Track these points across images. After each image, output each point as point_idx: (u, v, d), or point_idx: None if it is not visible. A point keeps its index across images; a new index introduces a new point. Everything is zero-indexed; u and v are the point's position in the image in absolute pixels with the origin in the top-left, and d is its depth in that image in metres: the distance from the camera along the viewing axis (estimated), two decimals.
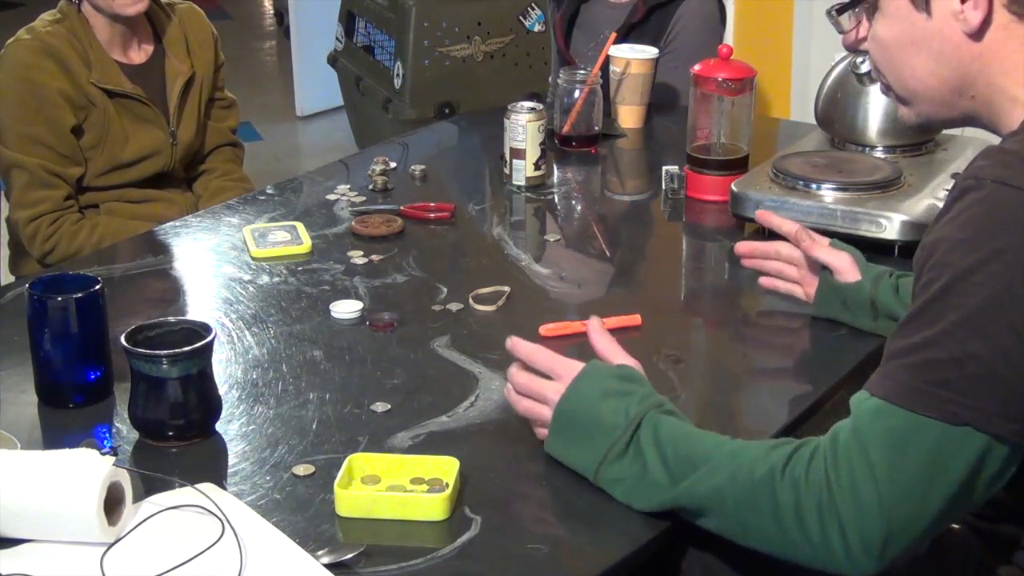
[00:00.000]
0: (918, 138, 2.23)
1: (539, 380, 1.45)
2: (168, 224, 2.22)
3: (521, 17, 4.34)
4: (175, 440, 1.50)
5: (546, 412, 1.42)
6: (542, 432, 1.45)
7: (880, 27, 1.38)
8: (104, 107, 2.41)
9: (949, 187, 1.74)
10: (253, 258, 2.04)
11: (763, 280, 1.87)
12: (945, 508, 1.21)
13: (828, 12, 1.49)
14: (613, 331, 1.76)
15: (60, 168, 2.39)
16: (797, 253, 1.80)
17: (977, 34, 1.31)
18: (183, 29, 2.54)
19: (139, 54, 2.50)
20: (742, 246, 1.89)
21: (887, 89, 1.42)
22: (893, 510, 1.19)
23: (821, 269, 1.76)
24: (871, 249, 1.87)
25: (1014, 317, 1.16)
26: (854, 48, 1.51)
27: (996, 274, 1.16)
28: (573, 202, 2.39)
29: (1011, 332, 1.16)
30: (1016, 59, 1.31)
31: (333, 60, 4.81)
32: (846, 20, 1.45)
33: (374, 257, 2.04)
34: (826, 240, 1.79)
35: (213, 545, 1.29)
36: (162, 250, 2.11)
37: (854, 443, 1.21)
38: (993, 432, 1.18)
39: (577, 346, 1.76)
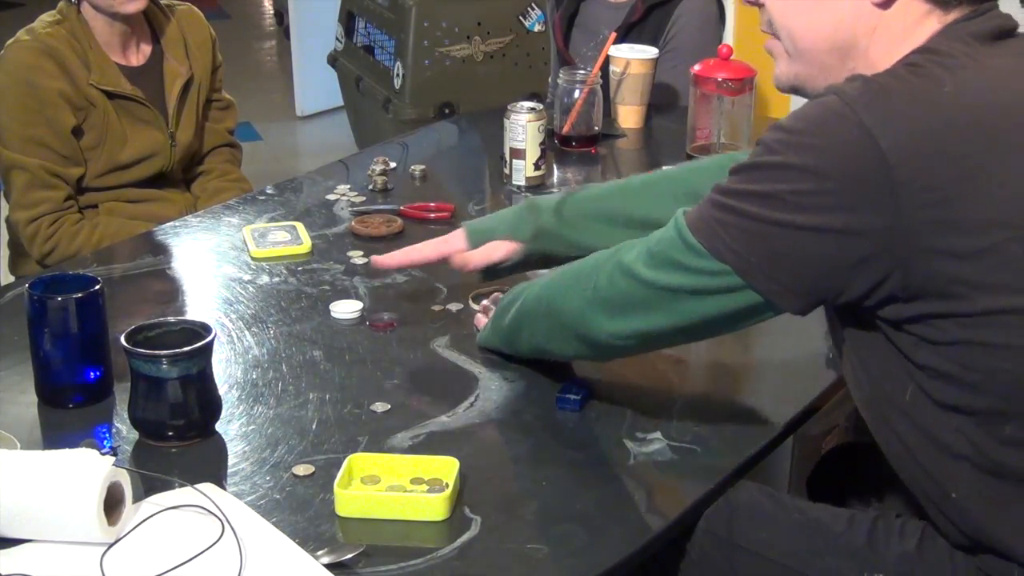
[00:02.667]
0: None
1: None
2: (168, 224, 2.22)
3: (521, 17, 4.34)
4: (175, 440, 1.50)
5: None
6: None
7: None
8: (103, 108, 2.41)
9: None
10: (253, 258, 2.04)
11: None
12: (682, 325, 1.41)
13: None
14: None
15: (60, 169, 2.39)
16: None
17: (884, 4, 1.35)
18: (182, 30, 2.54)
19: (138, 56, 2.50)
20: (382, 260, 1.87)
21: (773, 42, 1.46)
22: (638, 293, 1.41)
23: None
24: None
25: (796, 200, 1.28)
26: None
27: (795, 164, 1.28)
28: None
29: (790, 211, 1.28)
30: (904, 38, 1.34)
31: (333, 60, 4.81)
32: None
33: (374, 257, 2.04)
34: (459, 237, 1.82)
35: (213, 545, 1.29)
36: (162, 250, 2.11)
37: (648, 240, 1.42)
38: (748, 281, 1.33)
39: None
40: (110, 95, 2.42)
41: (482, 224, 1.81)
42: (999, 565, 1.35)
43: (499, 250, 1.76)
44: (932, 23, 1.34)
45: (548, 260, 1.75)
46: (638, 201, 1.72)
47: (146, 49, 2.51)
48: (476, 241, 1.78)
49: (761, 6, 1.44)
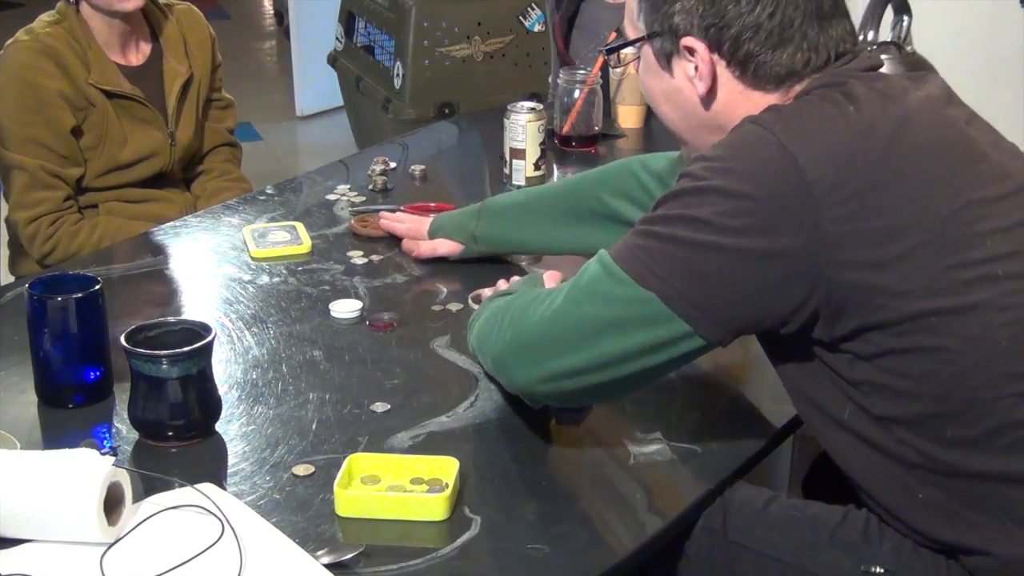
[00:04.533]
0: None
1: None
2: (168, 224, 2.22)
3: (521, 17, 4.34)
4: (175, 440, 1.50)
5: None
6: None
7: (643, 74, 1.52)
8: (103, 108, 2.41)
9: None
10: (253, 258, 2.04)
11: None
12: (601, 361, 1.38)
13: (599, 50, 1.61)
14: None
15: (60, 169, 2.39)
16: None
17: (705, 99, 1.42)
18: (181, 30, 2.54)
19: (137, 55, 2.50)
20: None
21: None
22: (555, 329, 1.39)
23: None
24: None
25: (720, 223, 1.30)
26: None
27: (717, 188, 1.31)
28: None
29: (714, 233, 1.30)
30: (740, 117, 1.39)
31: (333, 60, 4.81)
32: (615, 60, 1.57)
33: (374, 257, 2.04)
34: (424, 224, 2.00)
35: (213, 545, 1.29)
36: (162, 250, 2.11)
37: (576, 279, 1.41)
38: (671, 307, 1.33)
39: None
40: (110, 95, 2.42)
41: (443, 219, 2.00)
42: (980, 562, 1.36)
43: (443, 247, 1.99)
44: (771, 101, 1.40)
45: (497, 257, 1.94)
46: (557, 193, 1.93)
47: (145, 48, 2.51)
48: (432, 234, 1.97)
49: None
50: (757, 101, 1.40)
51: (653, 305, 1.34)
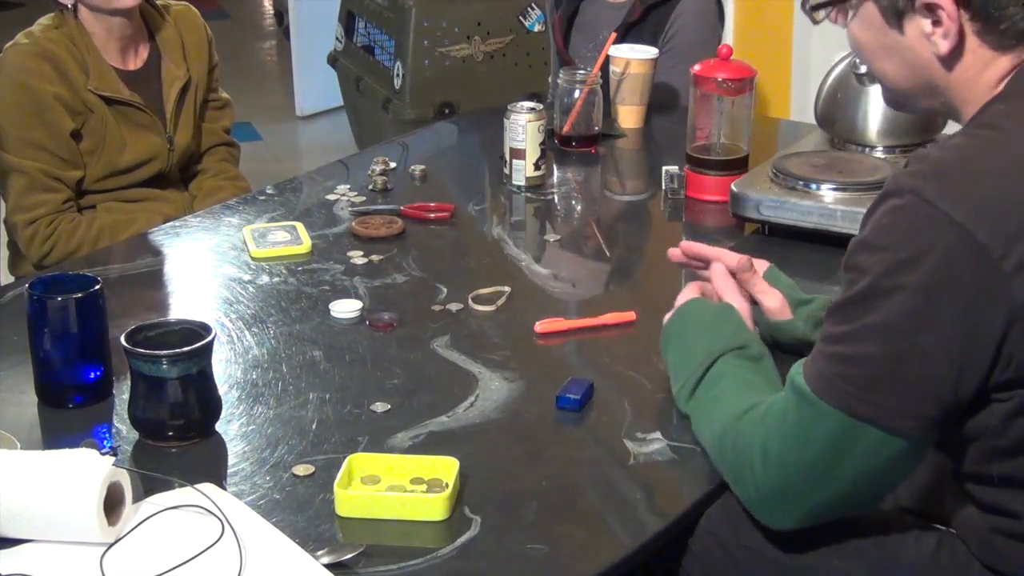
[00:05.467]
0: (918, 138, 2.23)
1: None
2: (167, 224, 2.22)
3: (521, 17, 4.34)
4: (175, 440, 1.50)
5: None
6: None
7: (855, 28, 1.39)
8: (102, 114, 2.41)
9: None
10: (253, 258, 2.04)
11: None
12: (847, 490, 1.32)
13: (802, 6, 1.51)
14: (610, 327, 1.78)
15: (60, 172, 2.39)
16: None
17: (947, 59, 1.33)
18: (179, 32, 2.54)
19: (135, 60, 2.49)
20: (680, 250, 1.74)
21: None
22: (791, 478, 1.33)
23: (752, 303, 1.67)
24: None
25: (913, 324, 1.23)
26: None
27: (902, 285, 1.23)
28: (573, 202, 2.39)
29: (910, 337, 1.23)
30: (984, 82, 1.33)
31: (333, 60, 4.81)
32: (821, 14, 1.44)
33: (374, 257, 2.04)
34: (764, 267, 1.70)
35: (213, 545, 1.29)
36: (162, 250, 2.11)
37: (778, 414, 1.34)
38: (888, 427, 1.27)
39: (573, 343, 1.76)
40: (108, 101, 2.41)
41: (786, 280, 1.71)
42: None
43: (773, 300, 1.65)
44: (1003, 64, 1.32)
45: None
46: None
47: (143, 52, 2.50)
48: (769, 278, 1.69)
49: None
50: (1001, 63, 1.31)
51: (872, 432, 1.27)
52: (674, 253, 1.74)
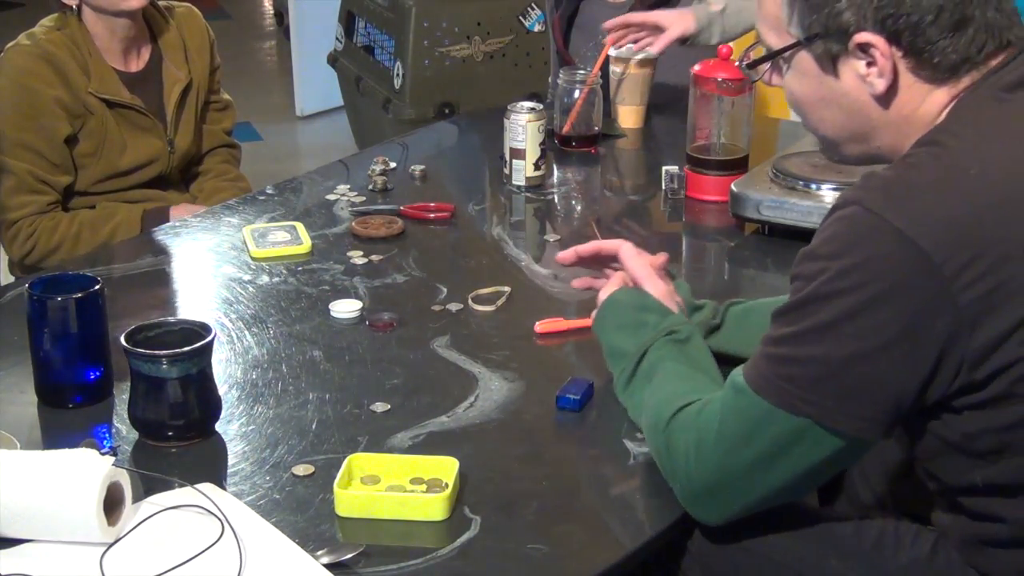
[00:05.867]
0: None
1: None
2: (168, 224, 2.22)
3: (521, 17, 4.34)
4: (175, 440, 1.50)
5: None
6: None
7: (791, 82, 1.40)
8: (102, 116, 2.41)
9: None
10: (253, 258, 2.04)
11: (576, 282, 1.80)
12: (781, 486, 1.34)
13: (738, 64, 1.52)
14: None
15: (49, 176, 2.38)
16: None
17: (884, 98, 1.34)
18: (181, 34, 2.54)
19: (137, 61, 2.49)
20: (572, 252, 1.75)
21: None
22: (726, 476, 1.34)
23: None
24: None
25: (855, 328, 1.25)
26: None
27: (844, 290, 1.24)
28: (573, 202, 2.39)
29: (852, 341, 1.25)
30: (922, 116, 1.33)
31: (333, 60, 4.81)
32: (757, 72, 1.45)
33: (374, 257, 2.04)
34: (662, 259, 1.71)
35: (213, 545, 1.29)
36: (162, 250, 2.11)
37: (715, 412, 1.35)
38: (831, 426, 1.28)
39: (573, 343, 1.76)
40: (109, 103, 2.41)
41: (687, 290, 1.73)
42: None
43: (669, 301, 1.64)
44: (940, 97, 1.33)
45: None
46: None
47: (145, 53, 2.50)
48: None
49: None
50: (937, 96, 1.32)
51: (814, 431, 1.28)
52: (564, 256, 1.75)
